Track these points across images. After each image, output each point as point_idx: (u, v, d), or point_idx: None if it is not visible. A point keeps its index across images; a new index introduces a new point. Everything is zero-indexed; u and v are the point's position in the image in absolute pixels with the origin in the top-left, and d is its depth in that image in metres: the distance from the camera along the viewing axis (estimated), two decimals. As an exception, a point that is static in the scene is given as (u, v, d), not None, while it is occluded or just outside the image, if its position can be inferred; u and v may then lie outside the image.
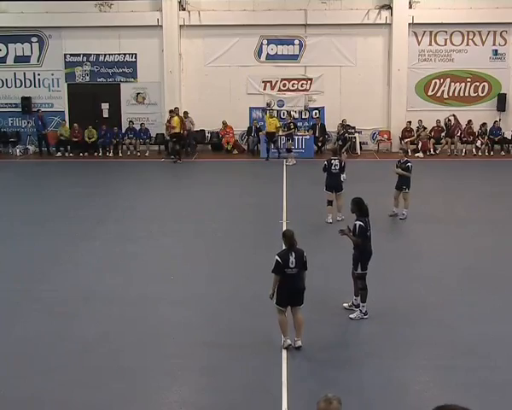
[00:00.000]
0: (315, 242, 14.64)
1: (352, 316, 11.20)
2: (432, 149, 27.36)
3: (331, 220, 16.77)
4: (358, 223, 11.15)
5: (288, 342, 9.96)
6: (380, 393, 8.93)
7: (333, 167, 17.12)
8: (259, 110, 28.60)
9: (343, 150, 22.84)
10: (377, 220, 16.58)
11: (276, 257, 9.87)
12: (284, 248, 10.01)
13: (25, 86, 28.98)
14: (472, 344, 10.30)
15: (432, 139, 27.47)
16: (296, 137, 26.93)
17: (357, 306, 11.39)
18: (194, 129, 28.12)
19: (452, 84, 28.26)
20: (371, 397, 8.84)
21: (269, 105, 28.21)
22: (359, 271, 11.24)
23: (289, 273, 9.81)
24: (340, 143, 23.41)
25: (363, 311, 11.22)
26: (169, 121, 26.58)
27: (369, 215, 11.43)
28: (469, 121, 27.41)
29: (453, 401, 8.63)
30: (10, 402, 8.75)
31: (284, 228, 16.29)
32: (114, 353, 10.11)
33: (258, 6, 27.52)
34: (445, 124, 27.79)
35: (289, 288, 9.87)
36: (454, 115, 27.52)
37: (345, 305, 11.55)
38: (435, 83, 28.28)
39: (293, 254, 9.83)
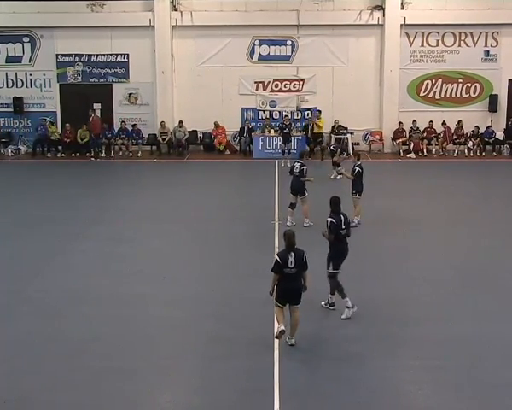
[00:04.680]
0: (306, 242, 14.61)
1: (343, 316, 11.22)
2: (425, 150, 27.39)
3: (289, 223, 16.29)
4: (330, 219, 11.36)
5: (282, 327, 9.95)
6: (372, 393, 8.92)
7: (294, 170, 16.79)
8: (251, 111, 28.63)
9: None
10: (367, 222, 16.76)
11: (276, 256, 10.07)
12: (284, 248, 10.10)
13: (16, 86, 28.91)
14: (463, 344, 10.32)
15: (424, 140, 27.51)
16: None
17: (332, 305, 11.51)
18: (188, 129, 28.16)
19: (444, 84, 28.35)
20: (363, 398, 8.83)
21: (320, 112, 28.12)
22: (330, 269, 11.34)
23: (288, 273, 9.93)
24: (346, 140, 23.39)
25: (349, 305, 11.25)
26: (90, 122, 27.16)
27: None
28: (459, 121, 27.50)
29: (445, 402, 8.71)
30: (1, 403, 8.71)
31: (277, 228, 16.37)
32: (106, 353, 10.08)
33: (250, 7, 27.53)
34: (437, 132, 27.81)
35: (287, 287, 9.99)
36: (444, 122, 27.55)
37: (322, 303, 11.61)
38: (427, 84, 28.36)
39: (293, 254, 9.95)
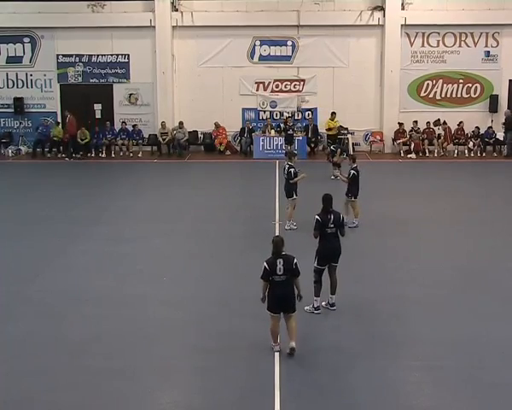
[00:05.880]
0: (305, 242, 14.61)
1: (305, 308, 11.29)
2: (427, 150, 27.37)
3: (290, 226, 16.43)
4: (316, 217, 11.50)
5: (277, 348, 9.90)
6: (371, 395, 8.92)
7: (284, 172, 16.83)
8: (252, 111, 28.64)
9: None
10: (368, 222, 16.76)
11: (264, 263, 9.81)
12: (272, 254, 9.91)
13: (17, 87, 28.92)
14: (462, 344, 10.33)
15: (426, 140, 27.47)
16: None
17: (332, 305, 11.59)
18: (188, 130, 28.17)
19: (445, 85, 28.34)
20: (363, 399, 8.83)
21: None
22: (315, 264, 11.44)
23: (277, 280, 9.72)
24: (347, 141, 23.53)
25: (315, 305, 11.40)
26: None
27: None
28: (460, 122, 27.49)
29: (446, 402, 8.70)
30: (1, 403, 8.71)
31: (277, 228, 16.37)
32: (106, 353, 10.08)
33: (250, 7, 27.53)
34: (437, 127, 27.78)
35: (278, 294, 9.76)
36: (445, 122, 27.55)
37: (323, 303, 11.64)
38: (428, 84, 28.35)
39: (282, 261, 9.72)
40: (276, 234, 10.37)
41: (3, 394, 8.94)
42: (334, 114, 27.59)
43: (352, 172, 16.61)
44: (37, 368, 9.63)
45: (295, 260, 9.82)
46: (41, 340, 10.54)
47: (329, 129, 27.51)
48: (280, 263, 9.72)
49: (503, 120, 27.45)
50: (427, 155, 27.27)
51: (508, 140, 27.17)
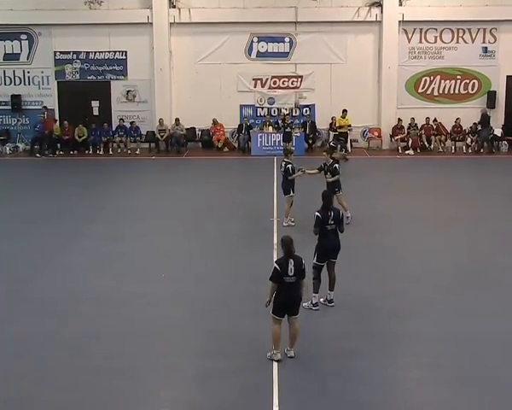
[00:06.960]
0: (304, 239, 14.62)
1: (303, 305, 11.04)
2: (427, 145, 27.38)
3: (285, 224, 16.42)
4: (316, 213, 11.52)
5: (278, 356, 9.65)
6: (372, 391, 8.93)
7: (281, 169, 16.77)
8: (250, 108, 28.63)
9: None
10: (365, 219, 16.77)
11: (275, 264, 9.64)
12: (283, 255, 9.76)
13: (14, 84, 28.84)
14: (461, 342, 10.34)
15: (423, 136, 27.49)
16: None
17: (331, 301, 11.63)
18: (186, 127, 28.16)
19: (442, 81, 28.35)
20: (363, 395, 8.84)
21: None
22: (314, 261, 11.46)
23: (288, 282, 9.52)
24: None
25: (314, 302, 11.43)
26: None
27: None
28: (457, 119, 27.50)
29: (446, 400, 8.72)
30: (1, 403, 8.72)
31: (275, 225, 16.38)
32: (106, 353, 10.08)
33: (248, 3, 27.50)
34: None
35: (287, 297, 9.57)
36: (435, 119, 27.57)
37: (321, 300, 11.66)
38: (425, 80, 28.36)
39: (293, 261, 9.55)
40: (285, 236, 10.12)
41: (3, 393, 8.94)
42: (345, 111, 27.43)
43: (337, 165, 16.34)
44: (37, 368, 9.63)
45: (304, 262, 9.72)
46: (41, 339, 10.53)
47: (340, 127, 27.43)
48: (291, 264, 9.54)
49: (479, 119, 27.48)
50: (430, 148, 27.27)
51: (481, 137, 27.12)
